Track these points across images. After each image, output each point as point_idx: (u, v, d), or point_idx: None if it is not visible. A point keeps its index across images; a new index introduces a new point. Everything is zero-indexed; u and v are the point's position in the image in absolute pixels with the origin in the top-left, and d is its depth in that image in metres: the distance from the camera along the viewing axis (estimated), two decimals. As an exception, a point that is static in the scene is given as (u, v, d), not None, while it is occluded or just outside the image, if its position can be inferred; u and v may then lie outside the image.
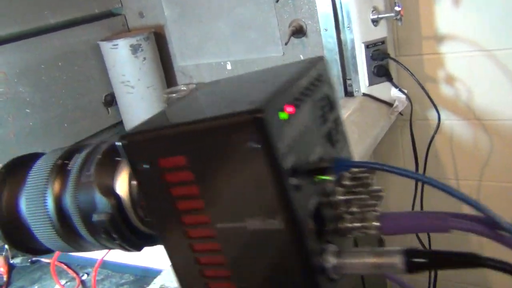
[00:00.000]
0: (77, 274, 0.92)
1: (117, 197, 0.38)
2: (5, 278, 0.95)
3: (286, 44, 1.33)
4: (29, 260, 0.98)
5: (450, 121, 1.55)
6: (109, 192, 0.38)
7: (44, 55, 1.43)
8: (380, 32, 1.33)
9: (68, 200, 0.39)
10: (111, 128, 1.69)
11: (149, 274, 0.86)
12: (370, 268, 0.30)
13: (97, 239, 0.40)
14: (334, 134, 0.36)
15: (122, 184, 0.38)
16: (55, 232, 0.41)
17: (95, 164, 0.39)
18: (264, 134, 0.26)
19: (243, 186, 0.29)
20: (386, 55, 1.32)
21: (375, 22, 1.31)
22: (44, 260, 0.98)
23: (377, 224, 0.33)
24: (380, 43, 1.33)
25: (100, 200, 0.38)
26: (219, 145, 0.28)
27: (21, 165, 0.45)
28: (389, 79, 1.35)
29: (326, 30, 1.34)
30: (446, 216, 0.31)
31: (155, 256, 0.87)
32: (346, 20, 1.31)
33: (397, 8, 1.26)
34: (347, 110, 1.32)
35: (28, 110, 1.38)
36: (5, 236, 0.44)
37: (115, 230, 0.37)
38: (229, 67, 1.55)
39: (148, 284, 0.86)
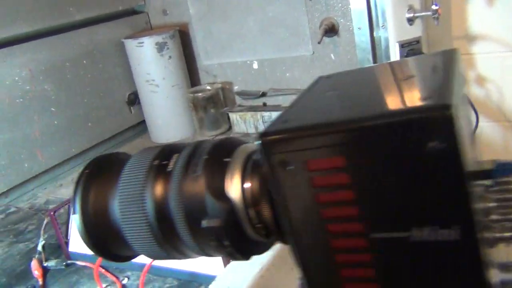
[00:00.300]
0: (117, 278, 0.89)
1: (230, 202, 0.34)
2: (40, 281, 0.92)
3: (319, 43, 1.30)
4: (64, 263, 0.95)
5: (480, 123, 1.52)
6: (222, 195, 0.34)
7: (68, 52, 1.40)
8: (415, 31, 1.30)
9: (173, 204, 0.36)
10: (133, 127, 1.66)
11: (194, 279, 0.83)
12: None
13: (202, 246, 0.37)
14: (472, 134, 0.33)
15: (234, 187, 0.35)
16: (153, 238, 0.37)
17: (203, 165, 0.36)
18: (453, 134, 0.23)
19: (412, 191, 0.25)
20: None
21: (410, 21, 1.28)
22: (79, 263, 0.95)
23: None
24: (415, 43, 1.30)
25: (212, 205, 0.34)
26: (389, 145, 0.25)
27: (107, 166, 0.42)
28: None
29: (359, 28, 1.31)
30: None
31: (200, 260, 0.84)
32: (381, 18, 1.28)
33: (434, 7, 1.23)
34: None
35: (53, 109, 1.35)
36: (91, 240, 0.40)
37: (227, 237, 0.34)
38: (255, 66, 1.52)
39: (194, 289, 0.83)
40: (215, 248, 0.36)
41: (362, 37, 1.32)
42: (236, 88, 1.60)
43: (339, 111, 0.29)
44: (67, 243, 0.98)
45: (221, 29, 1.52)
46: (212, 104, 1.52)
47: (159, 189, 0.37)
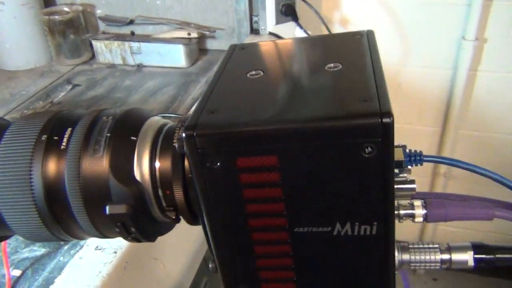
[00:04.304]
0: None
1: (138, 185, 0.31)
2: None
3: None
4: None
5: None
6: (129, 179, 0.31)
7: None
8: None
9: (69, 187, 0.32)
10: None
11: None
12: (439, 265, 0.30)
13: (102, 231, 0.34)
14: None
15: (143, 169, 0.32)
16: (41, 221, 0.33)
17: (105, 144, 0.32)
18: (390, 141, 0.23)
19: (340, 190, 0.26)
20: (296, -5, 1.30)
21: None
22: None
23: (424, 211, 0.33)
24: (290, -20, 1.30)
25: (117, 189, 0.31)
26: (323, 147, 0.24)
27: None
28: (295, 19, 1.34)
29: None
30: (493, 205, 0.33)
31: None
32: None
33: None
34: (254, 49, 1.29)
35: None
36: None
37: (134, 224, 0.32)
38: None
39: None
40: (119, 234, 0.33)
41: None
42: (99, 12, 1.45)
43: (272, 106, 0.27)
44: None
45: None
46: (72, 29, 1.37)
47: (51, 168, 0.32)
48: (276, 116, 0.25)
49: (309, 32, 1.38)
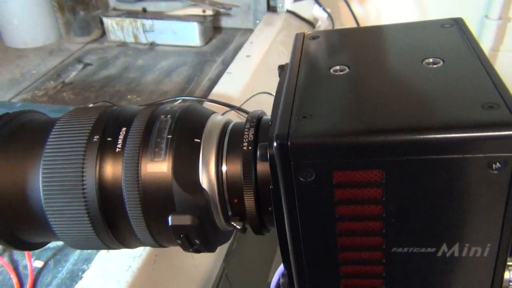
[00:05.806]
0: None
1: (204, 194, 0.28)
2: None
3: None
4: None
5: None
6: (194, 186, 0.28)
7: None
8: None
9: (127, 195, 0.28)
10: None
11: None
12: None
13: (161, 242, 0.30)
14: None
15: (210, 176, 0.28)
16: (93, 231, 0.30)
17: (167, 147, 0.28)
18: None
19: (454, 210, 0.22)
20: (316, -29, 1.24)
21: None
22: None
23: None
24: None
25: (181, 198, 0.28)
26: (440, 162, 0.21)
27: (17, 130, 0.32)
28: (314, -4, 1.29)
29: None
30: None
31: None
32: None
33: None
34: (272, 27, 1.24)
35: None
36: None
37: (198, 236, 0.29)
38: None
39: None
40: (179, 246, 0.30)
41: None
42: (109, -13, 1.40)
43: (373, 111, 0.23)
44: None
45: None
46: (82, 5, 1.31)
47: (106, 173, 0.29)
48: (384, 124, 0.22)
49: (328, 10, 1.33)
